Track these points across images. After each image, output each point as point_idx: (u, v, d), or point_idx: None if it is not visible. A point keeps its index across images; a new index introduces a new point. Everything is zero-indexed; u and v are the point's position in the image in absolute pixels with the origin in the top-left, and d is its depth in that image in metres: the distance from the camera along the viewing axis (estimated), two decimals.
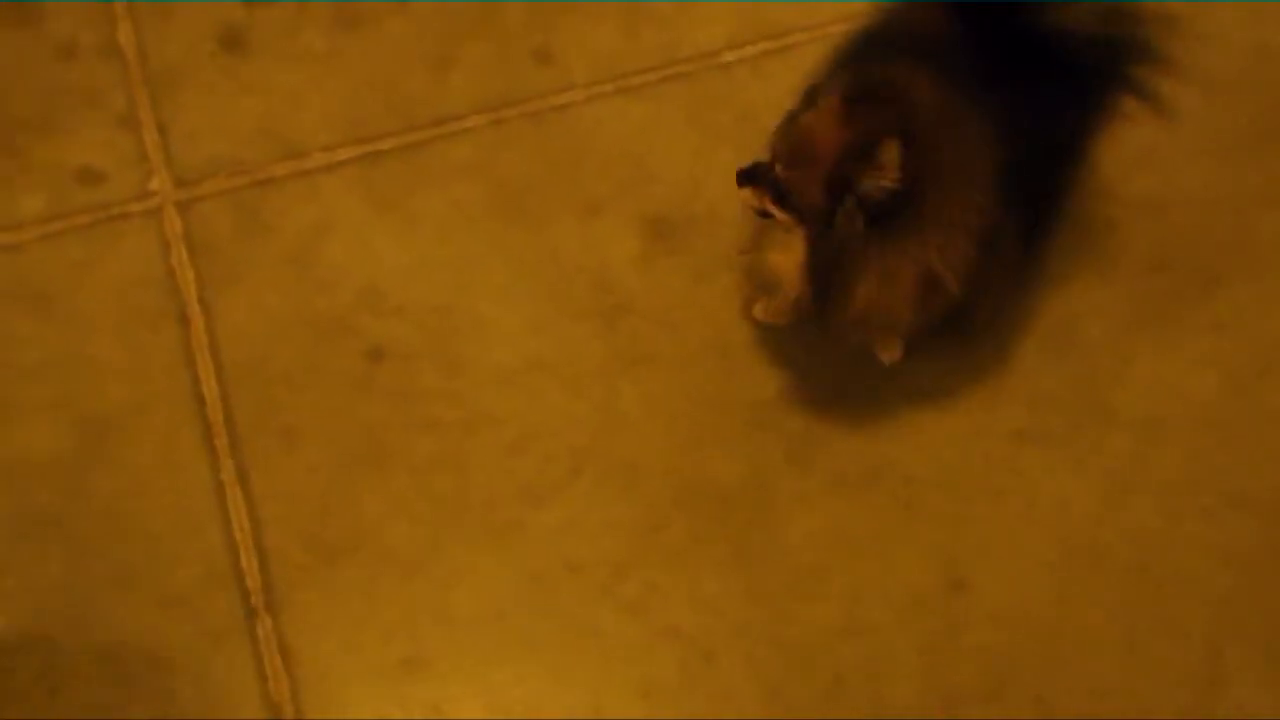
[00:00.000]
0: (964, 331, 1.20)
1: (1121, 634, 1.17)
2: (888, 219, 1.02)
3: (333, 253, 1.32)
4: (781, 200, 1.06)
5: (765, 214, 1.09)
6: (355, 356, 1.27)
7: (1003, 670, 1.15)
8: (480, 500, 1.22)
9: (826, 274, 1.06)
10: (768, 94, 1.25)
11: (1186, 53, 1.12)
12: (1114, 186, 1.28)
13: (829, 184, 1.03)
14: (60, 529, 1.18)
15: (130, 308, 1.27)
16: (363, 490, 1.21)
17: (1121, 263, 1.31)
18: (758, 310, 1.23)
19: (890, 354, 1.21)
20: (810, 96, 1.08)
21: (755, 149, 1.12)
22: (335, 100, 1.39)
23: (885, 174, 1.00)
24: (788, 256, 1.09)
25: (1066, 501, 1.23)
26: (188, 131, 1.36)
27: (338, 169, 1.36)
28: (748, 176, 1.10)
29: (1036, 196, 1.12)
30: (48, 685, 1.11)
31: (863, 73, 1.07)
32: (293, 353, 1.27)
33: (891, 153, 0.99)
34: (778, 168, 1.05)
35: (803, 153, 1.04)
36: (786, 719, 1.11)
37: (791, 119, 1.09)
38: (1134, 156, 1.20)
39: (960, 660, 1.15)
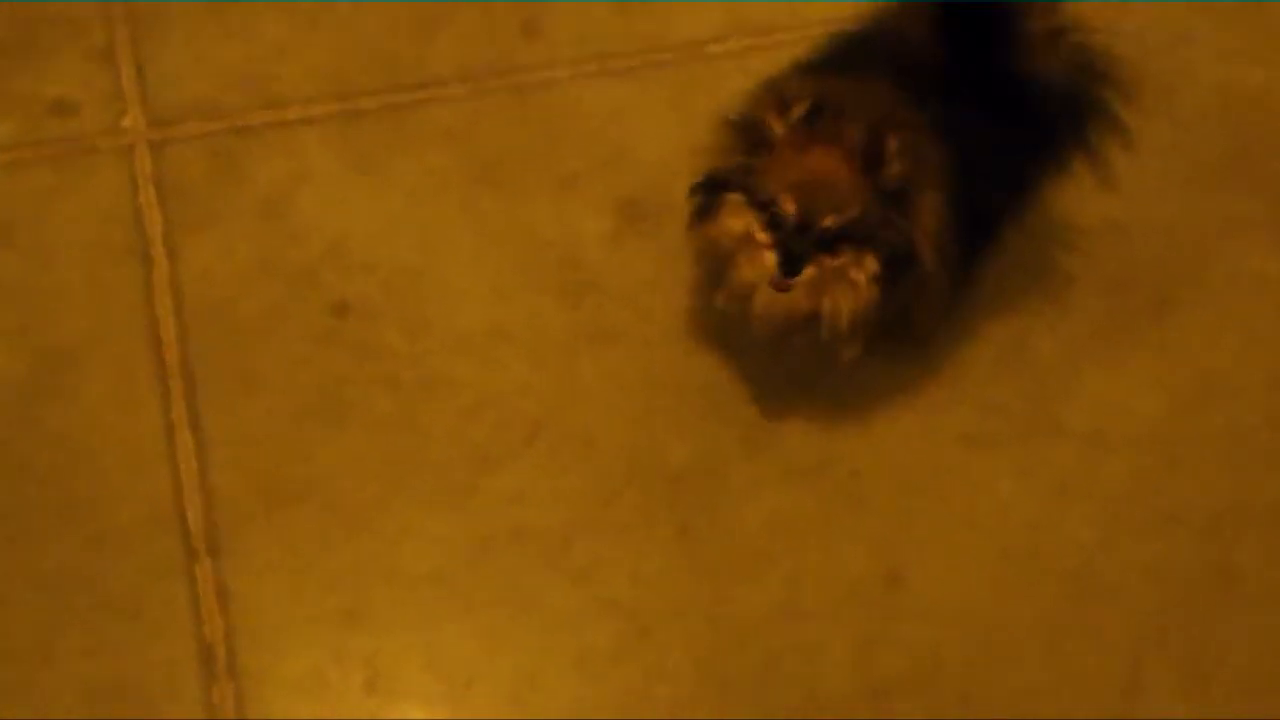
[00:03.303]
0: (905, 339, 1.23)
1: (1048, 638, 1.20)
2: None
3: (305, 206, 1.34)
4: (796, 230, 1.04)
5: (744, 243, 1.08)
6: (320, 309, 1.29)
7: (931, 665, 1.19)
8: (433, 461, 1.24)
9: (906, 290, 1.06)
10: (749, 88, 1.30)
11: (1157, 88, 1.17)
12: (1077, 209, 1.33)
13: (885, 190, 1.02)
14: (7, 455, 1.19)
15: (94, 242, 1.28)
16: (316, 441, 1.24)
17: (1078, 282, 1.35)
18: (718, 301, 1.27)
19: (850, 351, 1.26)
20: (765, 98, 1.08)
21: None
22: (320, 53, 1.40)
23: (900, 161, 1.01)
24: (845, 291, 1.08)
25: (1007, 506, 1.27)
26: (167, 71, 1.37)
27: (316, 123, 1.38)
28: (711, 189, 1.08)
29: (981, 218, 1.14)
30: None
31: (827, 82, 1.08)
32: (257, 301, 1.29)
33: (895, 145, 1.01)
34: (788, 204, 1.04)
35: (816, 176, 1.03)
36: (718, 695, 1.15)
37: (732, 124, 1.09)
38: (1099, 181, 1.25)
39: (891, 652, 1.19)
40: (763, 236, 1.07)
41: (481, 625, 1.15)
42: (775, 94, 1.07)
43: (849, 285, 1.09)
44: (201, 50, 1.35)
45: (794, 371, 1.29)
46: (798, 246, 1.05)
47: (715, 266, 1.15)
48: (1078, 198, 1.28)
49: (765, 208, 1.07)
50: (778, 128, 1.05)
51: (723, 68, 1.42)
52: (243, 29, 1.36)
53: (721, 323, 1.28)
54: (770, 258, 1.07)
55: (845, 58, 1.16)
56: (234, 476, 1.18)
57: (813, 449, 1.26)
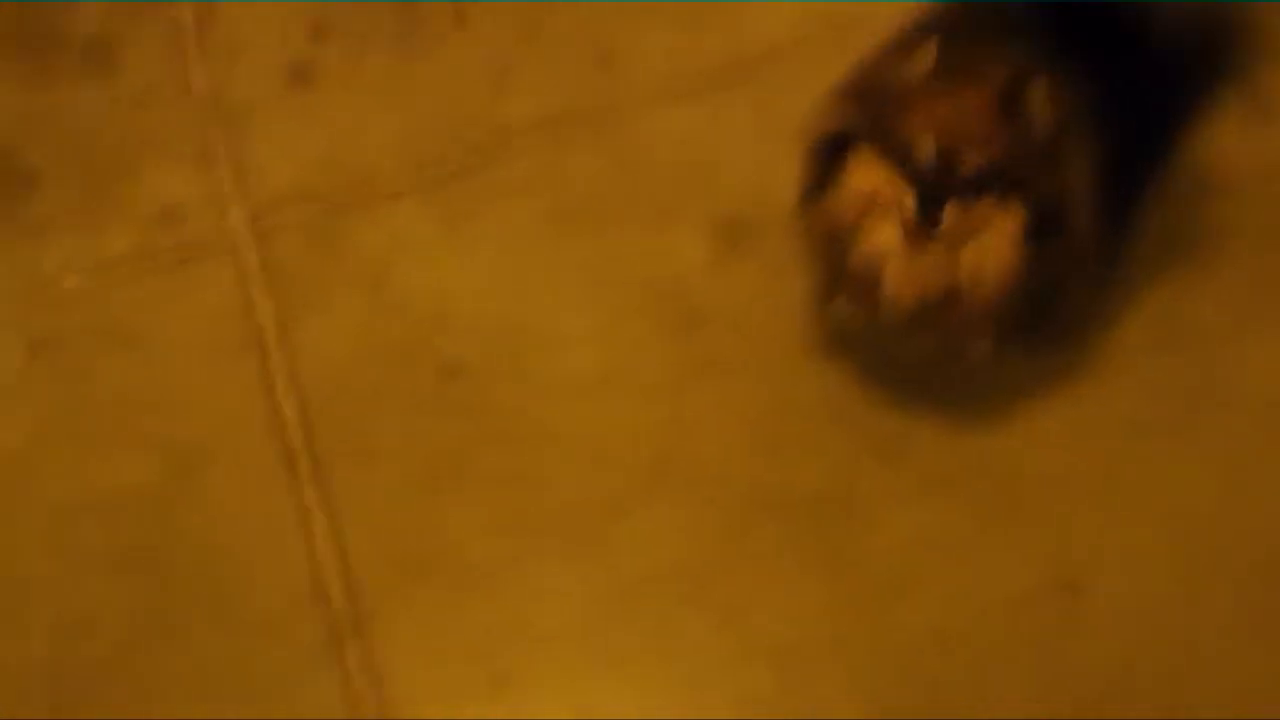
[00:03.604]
0: (1050, 329, 1.09)
1: (1253, 634, 1.05)
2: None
3: (404, 275, 1.30)
4: (940, 182, 0.91)
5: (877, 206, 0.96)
6: (430, 375, 1.24)
7: (1125, 681, 1.04)
8: (559, 513, 1.17)
9: (1054, 259, 0.93)
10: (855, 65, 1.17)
11: None
12: (1229, 151, 1.16)
13: (1032, 138, 0.89)
14: (152, 560, 1.17)
15: (210, 339, 1.27)
16: (443, 508, 1.18)
17: (1232, 238, 1.19)
18: (839, 306, 1.15)
19: (981, 349, 1.12)
20: (880, 58, 0.97)
21: None
22: (400, 124, 1.37)
23: (1047, 109, 0.89)
24: (989, 246, 0.94)
25: (1188, 495, 1.11)
26: (260, 166, 1.36)
27: (405, 193, 1.34)
28: (833, 150, 0.96)
29: (1124, 187, 1.00)
30: (138, 709, 1.10)
31: (951, 38, 0.96)
32: (370, 375, 1.25)
33: (1044, 86, 0.88)
34: (926, 144, 0.91)
35: (957, 116, 0.90)
36: None
37: (848, 87, 0.98)
38: (1255, 114, 1.08)
39: (1076, 670, 1.05)
40: (897, 183, 0.93)
41: (631, 677, 1.07)
42: (893, 48, 0.96)
43: (992, 244, 0.94)
44: (289, 139, 1.34)
45: (924, 376, 1.15)
46: (937, 186, 0.92)
47: (837, 248, 1.01)
48: (1228, 138, 1.10)
49: (899, 154, 0.93)
50: (903, 77, 0.92)
51: (802, 67, 1.31)
52: (324, 113, 1.35)
53: (841, 332, 1.17)
54: (908, 203, 0.92)
55: (949, 23, 1.02)
56: (369, 553, 1.13)
57: (956, 455, 1.13)
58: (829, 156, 1.00)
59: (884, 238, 0.99)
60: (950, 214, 0.93)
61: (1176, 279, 1.19)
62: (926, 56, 0.94)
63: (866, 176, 0.97)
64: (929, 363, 1.15)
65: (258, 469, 1.20)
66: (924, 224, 0.94)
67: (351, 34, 1.42)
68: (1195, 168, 1.15)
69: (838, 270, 1.04)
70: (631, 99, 1.35)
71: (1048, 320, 1.06)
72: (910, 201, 0.94)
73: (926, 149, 0.93)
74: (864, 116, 0.97)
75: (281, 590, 1.15)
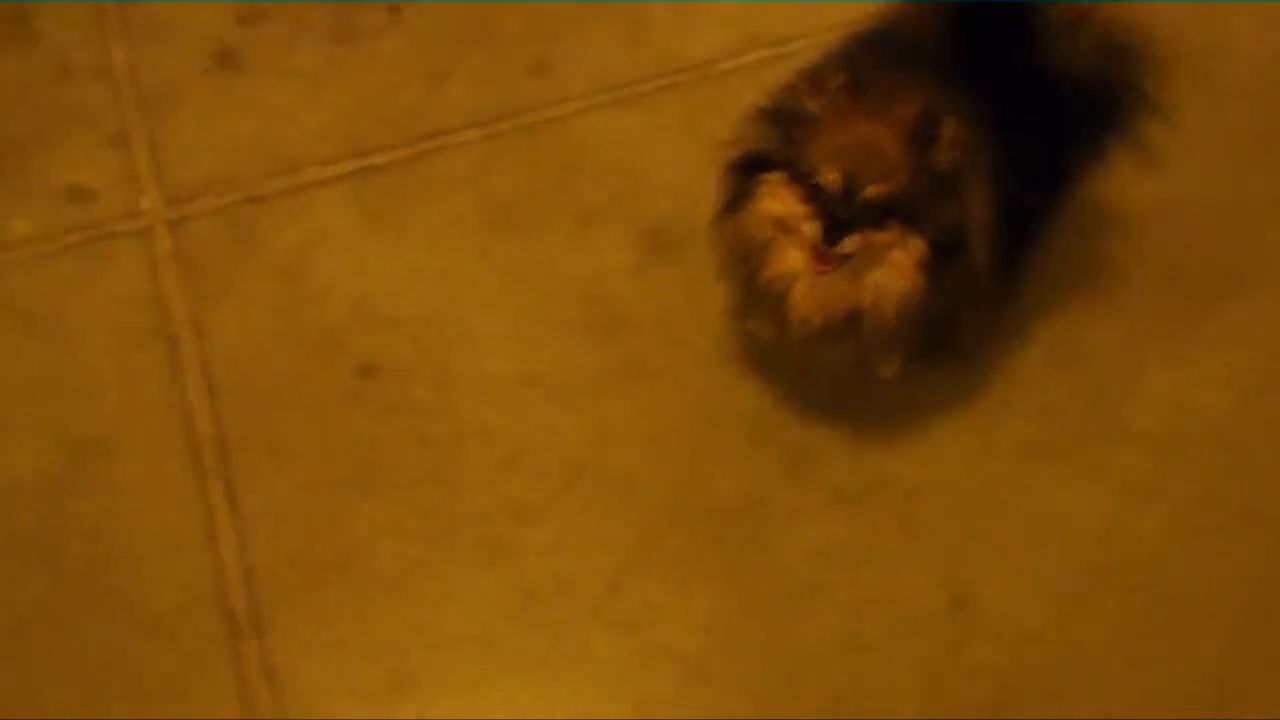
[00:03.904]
0: (950, 350, 1.09)
1: (1128, 653, 1.06)
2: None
3: (324, 268, 1.24)
4: (844, 207, 0.90)
5: (783, 227, 0.95)
6: (346, 372, 1.19)
7: (1006, 690, 1.04)
8: (471, 517, 1.13)
9: (953, 285, 0.93)
10: (779, 83, 1.15)
11: (1197, 60, 1.02)
12: (1122, 194, 1.17)
13: (935, 170, 0.89)
14: (43, 550, 1.10)
15: (119, 327, 1.19)
16: (352, 508, 1.13)
17: (1130, 273, 1.20)
18: (750, 322, 1.14)
19: (889, 367, 1.11)
20: (797, 83, 0.96)
21: None
22: (330, 115, 1.31)
23: (951, 143, 0.88)
24: (890, 273, 0.94)
25: (1073, 517, 1.12)
26: (180, 149, 1.28)
27: (331, 184, 1.28)
28: (748, 170, 0.95)
29: (1023, 215, 1.00)
30: (24, 708, 1.03)
31: (864, 70, 0.95)
32: (283, 369, 1.18)
33: (950, 122, 0.88)
34: (831, 173, 0.90)
35: (863, 146, 0.89)
36: None
37: (765, 111, 0.96)
38: (1141, 165, 1.09)
39: (962, 679, 1.05)
40: (803, 209, 0.93)
41: (533, 682, 1.03)
42: (807, 77, 0.95)
43: (894, 269, 0.94)
44: (213, 125, 1.26)
45: (836, 391, 1.14)
46: (841, 213, 0.91)
47: (748, 265, 1.00)
48: (1121, 184, 1.12)
49: (806, 179, 0.92)
50: (815, 105, 0.91)
51: (736, 84, 1.29)
52: (252, 99, 1.27)
53: (758, 346, 1.15)
54: (812, 229, 0.92)
55: (865, 55, 1.02)
56: (272, 551, 1.07)
57: (862, 471, 1.12)
58: (743, 177, 0.99)
59: (791, 260, 0.99)
60: (852, 241, 0.92)
61: (1074, 309, 1.20)
62: (837, 86, 0.92)
63: (775, 200, 0.97)
64: (839, 379, 1.13)
65: (161, 461, 1.13)
66: (827, 250, 0.92)
67: (282, 20, 1.35)
68: (1092, 207, 1.16)
69: (749, 287, 1.01)
70: (565, 105, 1.31)
71: (948, 343, 1.05)
72: (815, 229, 0.92)
73: (832, 177, 0.92)
74: (777, 141, 0.96)
75: (179, 586, 1.08)
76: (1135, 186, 1.15)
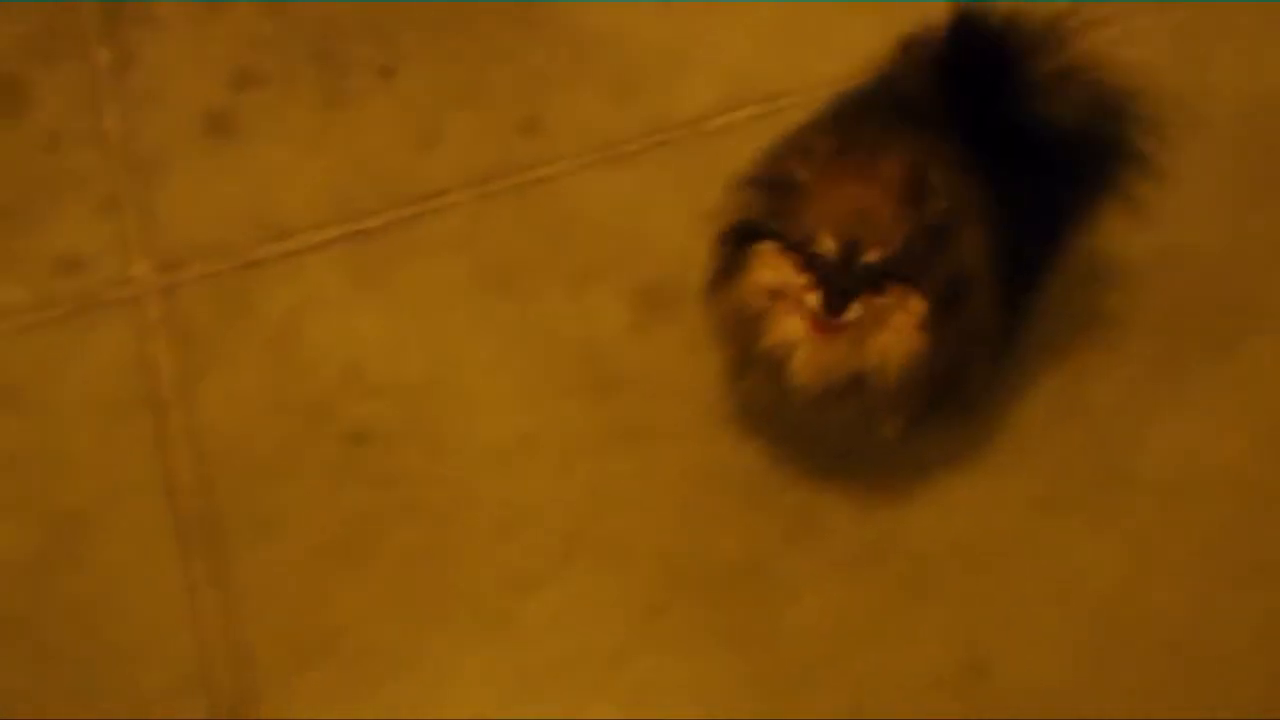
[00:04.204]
0: (954, 406, 1.02)
1: (1154, 713, 0.97)
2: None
3: (315, 334, 1.17)
4: (834, 272, 0.86)
5: (775, 294, 0.90)
6: (336, 440, 1.11)
7: None
8: (466, 590, 1.05)
9: (955, 339, 0.88)
10: (761, 151, 1.11)
11: (1185, 104, 0.96)
12: (1120, 244, 1.11)
13: (929, 224, 0.84)
14: (24, 633, 1.01)
15: (105, 398, 1.12)
16: (343, 583, 1.05)
17: (1132, 322, 1.13)
18: (747, 388, 1.06)
19: (892, 427, 1.04)
20: (783, 150, 0.91)
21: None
22: (321, 179, 1.25)
23: (942, 195, 0.84)
24: (892, 336, 0.89)
25: (1087, 573, 1.05)
26: (171, 216, 1.22)
27: (322, 248, 1.21)
28: (738, 240, 0.91)
29: (1019, 265, 0.95)
30: None
31: (850, 130, 0.91)
32: (272, 439, 1.11)
33: (939, 174, 0.83)
34: (827, 240, 0.85)
35: (857, 210, 0.85)
36: None
37: (752, 180, 0.91)
38: (1132, 219, 1.03)
39: None
40: (801, 279, 0.87)
41: None
42: (794, 144, 0.90)
43: (896, 331, 0.89)
44: (204, 191, 1.20)
45: (837, 452, 1.06)
46: (842, 282, 0.86)
47: (744, 334, 0.95)
48: (1118, 234, 1.06)
49: (801, 249, 0.87)
50: (803, 172, 0.86)
51: (728, 141, 1.23)
52: (241, 164, 1.21)
53: (756, 406, 1.07)
54: (812, 299, 0.87)
55: (853, 114, 0.98)
56: (261, 630, 0.99)
57: (866, 534, 1.04)
58: (734, 247, 0.93)
59: (790, 328, 0.93)
60: (855, 309, 0.88)
61: (1077, 360, 1.14)
62: (823, 149, 0.88)
63: (770, 270, 0.91)
64: (840, 440, 1.05)
65: (146, 538, 1.05)
66: (829, 319, 0.87)
67: (273, 85, 1.30)
68: (1091, 257, 1.10)
69: (746, 354, 0.95)
70: (557, 164, 1.25)
71: (952, 399, 0.98)
72: (815, 299, 0.88)
73: (830, 246, 0.87)
74: (767, 208, 0.91)
75: (164, 668, 1.00)
76: (1133, 235, 1.09)
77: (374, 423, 1.11)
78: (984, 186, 0.92)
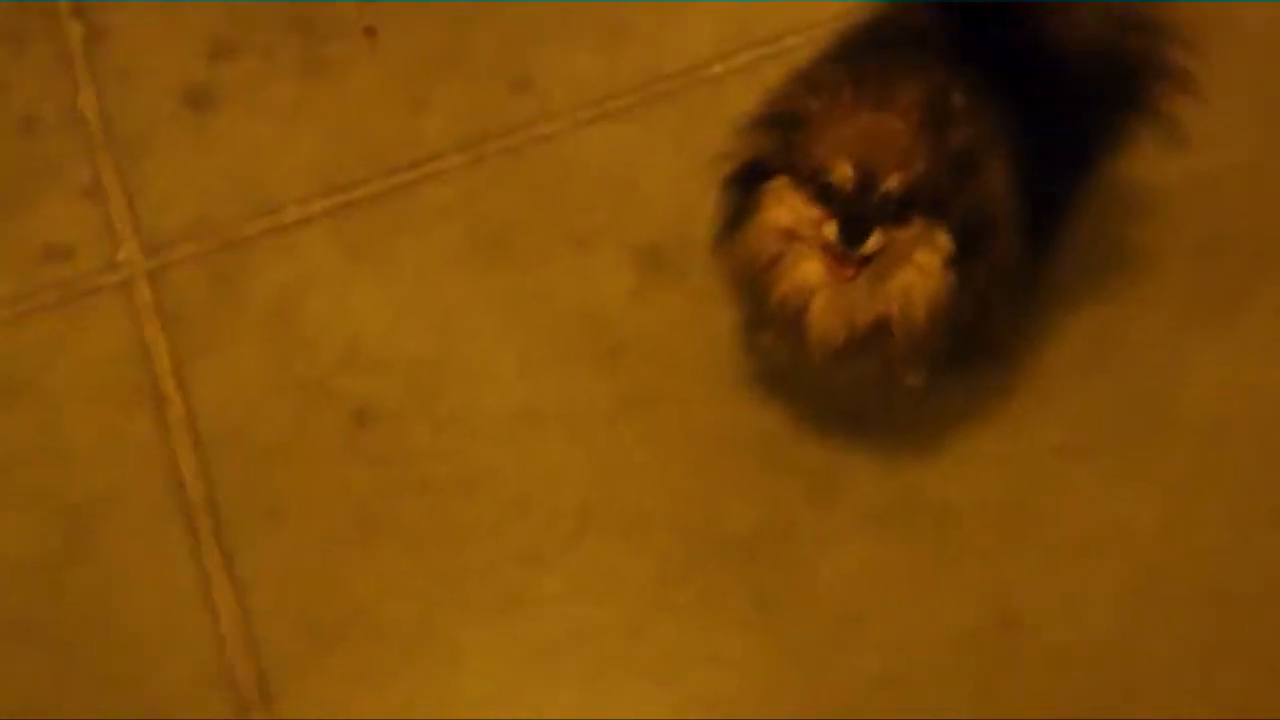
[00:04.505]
0: (981, 351, 0.97)
1: (1197, 664, 0.94)
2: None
3: (312, 310, 1.13)
4: (858, 206, 0.79)
5: (791, 235, 0.84)
6: (340, 420, 1.08)
7: (1067, 713, 0.92)
8: (479, 567, 1.02)
9: (983, 278, 0.82)
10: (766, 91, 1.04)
11: (1217, 20, 0.89)
12: (1150, 170, 1.04)
13: (953, 152, 0.78)
14: (39, 631, 1.00)
15: (104, 388, 1.09)
16: (354, 565, 1.02)
17: (1164, 254, 1.07)
18: (765, 343, 1.01)
19: (917, 376, 0.99)
20: (790, 86, 0.85)
21: None
22: (307, 150, 1.20)
23: (965, 122, 0.78)
24: (917, 275, 0.83)
25: (1125, 520, 1.00)
26: (156, 196, 1.18)
27: (313, 222, 1.17)
28: (747, 183, 0.84)
29: (1047, 199, 0.89)
30: None
31: (860, 62, 0.85)
32: (274, 421, 1.08)
33: (960, 100, 0.77)
34: (842, 168, 0.79)
35: (874, 136, 0.78)
36: None
37: (760, 117, 0.86)
38: (1169, 141, 0.96)
39: (1018, 705, 0.93)
40: (815, 213, 0.81)
41: None
42: (801, 78, 0.85)
43: (921, 270, 0.83)
44: (188, 168, 1.16)
45: (858, 406, 1.02)
46: (860, 210, 0.80)
47: (759, 283, 0.89)
48: (1149, 158, 0.98)
49: (816, 180, 0.81)
50: (815, 103, 0.81)
51: (729, 88, 1.17)
52: (225, 139, 1.16)
53: (771, 363, 1.03)
54: (829, 231, 0.80)
55: (862, 47, 0.92)
56: (277, 618, 0.98)
57: (891, 490, 1.00)
58: (743, 190, 0.88)
59: (807, 272, 0.88)
60: (876, 240, 0.81)
61: (1106, 298, 1.08)
62: (834, 81, 0.82)
63: (783, 208, 0.85)
64: (861, 394, 1.00)
65: (155, 528, 1.04)
66: (848, 252, 0.82)
67: (254, 54, 1.24)
68: (1117, 188, 1.03)
69: (761, 306, 0.89)
70: (551, 122, 1.20)
71: (978, 344, 0.93)
72: (832, 230, 0.82)
73: (844, 173, 0.82)
74: (776, 146, 0.85)
75: (182, 662, 0.99)
76: (1164, 161, 1.01)
77: (376, 401, 1.07)
78: (1006, 115, 0.85)
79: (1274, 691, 0.90)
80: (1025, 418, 1.02)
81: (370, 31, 1.22)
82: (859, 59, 0.87)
